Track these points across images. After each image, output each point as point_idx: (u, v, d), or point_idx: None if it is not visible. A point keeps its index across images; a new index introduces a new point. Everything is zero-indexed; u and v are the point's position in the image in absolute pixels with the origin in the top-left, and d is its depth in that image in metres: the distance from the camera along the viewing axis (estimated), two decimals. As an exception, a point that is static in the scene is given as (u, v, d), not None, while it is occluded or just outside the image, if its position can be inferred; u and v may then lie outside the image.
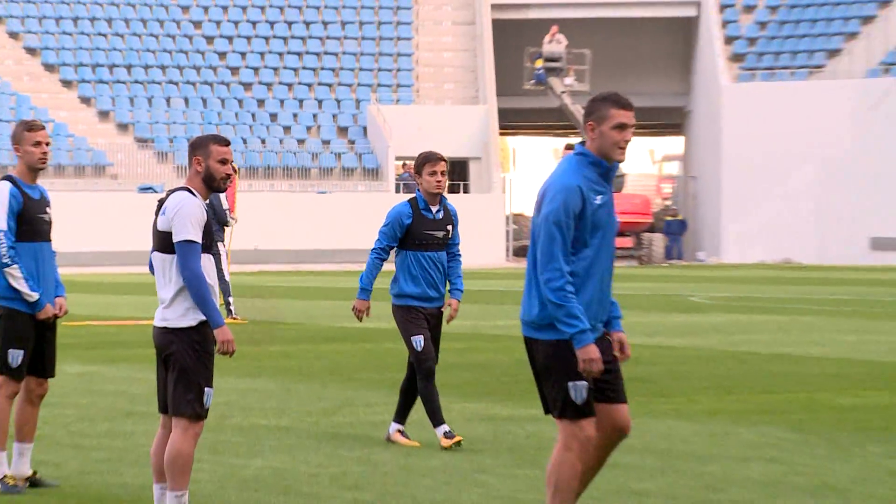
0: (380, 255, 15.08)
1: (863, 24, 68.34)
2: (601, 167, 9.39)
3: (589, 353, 9.14)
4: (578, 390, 9.34)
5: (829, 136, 63.14)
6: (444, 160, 15.36)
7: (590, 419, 9.43)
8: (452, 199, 15.74)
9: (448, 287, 15.18)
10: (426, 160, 15.16)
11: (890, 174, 60.45)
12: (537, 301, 9.45)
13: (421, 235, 14.94)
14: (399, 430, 15.03)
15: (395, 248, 15.07)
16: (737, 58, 68.45)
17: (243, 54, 68.52)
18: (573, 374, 9.29)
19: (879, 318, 32.64)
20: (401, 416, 15.16)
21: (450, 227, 15.10)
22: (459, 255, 15.57)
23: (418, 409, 15.16)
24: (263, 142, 63.72)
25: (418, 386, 15.03)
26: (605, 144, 9.39)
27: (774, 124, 64.13)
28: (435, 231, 14.99)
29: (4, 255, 12.66)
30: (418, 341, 14.92)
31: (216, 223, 10.79)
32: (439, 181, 15.10)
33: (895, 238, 59.58)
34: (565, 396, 9.39)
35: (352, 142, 65.25)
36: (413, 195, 15.43)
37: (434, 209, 15.01)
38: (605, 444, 9.73)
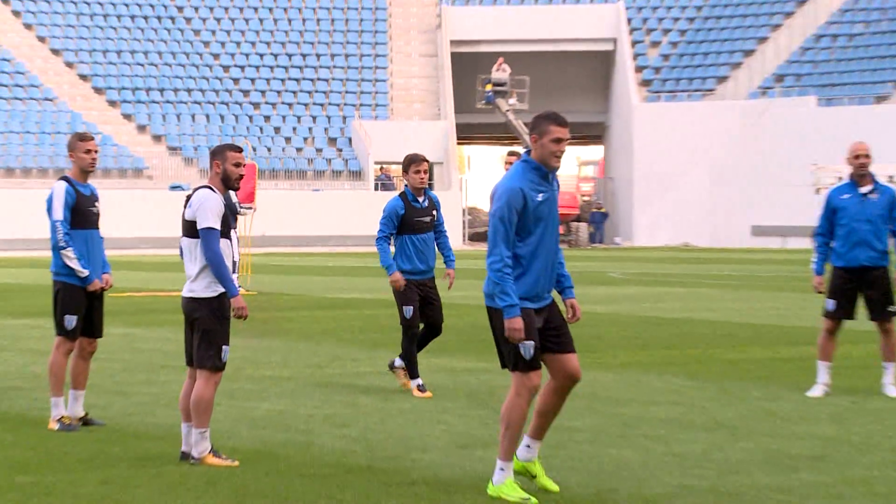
0: (384, 241, 15.09)
1: (745, 56, 68.45)
2: (541, 171, 9.56)
3: (513, 324, 9.37)
4: (527, 349, 9.48)
5: (719, 144, 63.27)
6: (427, 161, 15.48)
7: (536, 371, 9.58)
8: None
9: (443, 260, 15.33)
10: (412, 161, 15.18)
11: (766, 175, 60.59)
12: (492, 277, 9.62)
13: (413, 222, 14.99)
14: (417, 386, 15.02)
15: (394, 235, 15.10)
16: (645, 83, 68.50)
17: (253, 80, 68.30)
18: (529, 335, 9.46)
19: (759, 289, 32.74)
20: (413, 373, 15.14)
21: (434, 213, 15.19)
22: (445, 231, 15.72)
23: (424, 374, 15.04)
24: (269, 149, 63.57)
25: (402, 344, 15.19)
26: (544, 154, 9.55)
27: (675, 136, 64.26)
28: (423, 217, 15.06)
29: (61, 239, 12.72)
30: (408, 311, 15.03)
31: (231, 215, 10.79)
32: (423, 178, 15.19)
33: (771, 226, 59.78)
34: (517, 354, 9.52)
35: (339, 150, 65.13)
36: (396, 191, 15.65)
37: (420, 199, 15.08)
38: (561, 388, 9.89)
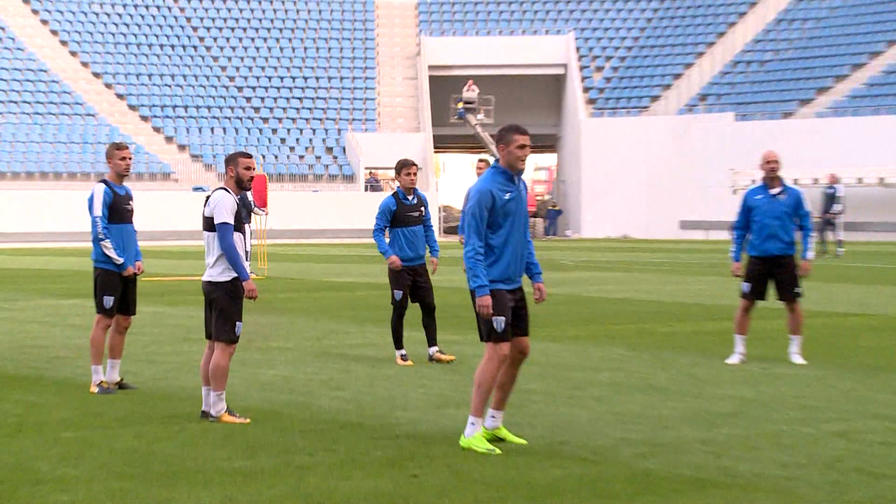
0: (379, 232, 15.09)
1: (674, 79, 68.42)
2: (508, 175, 9.76)
3: (483, 301, 9.62)
4: (499, 323, 9.67)
5: (652, 153, 63.28)
6: (416, 165, 15.53)
7: (507, 342, 9.75)
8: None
9: (427, 250, 15.26)
10: (404, 165, 15.25)
11: (691, 179, 60.63)
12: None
13: (403, 217, 14.98)
14: (437, 351, 15.06)
15: (388, 228, 15.05)
16: (591, 101, 68.48)
17: (262, 98, 68.14)
18: (497, 312, 9.63)
19: (686, 274, 32.80)
20: (432, 340, 15.13)
21: (422, 209, 15.18)
22: (432, 226, 15.72)
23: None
24: (276, 157, 63.44)
25: (391, 321, 15.13)
26: (511, 159, 9.76)
27: (616, 146, 64.29)
28: (412, 212, 15.03)
29: (100, 233, 12.75)
30: (398, 294, 15.00)
31: (245, 212, 10.79)
32: (412, 179, 15.19)
33: (696, 220, 59.91)
34: (491, 327, 9.68)
35: (335, 157, 64.98)
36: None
37: (410, 197, 15.07)
38: (514, 361, 10.00)
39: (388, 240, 15.09)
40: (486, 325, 9.77)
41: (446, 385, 13.12)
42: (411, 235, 15.01)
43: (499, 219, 9.68)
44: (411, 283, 14.97)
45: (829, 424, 10.47)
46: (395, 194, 15.15)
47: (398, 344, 14.95)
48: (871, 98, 59.76)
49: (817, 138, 55.35)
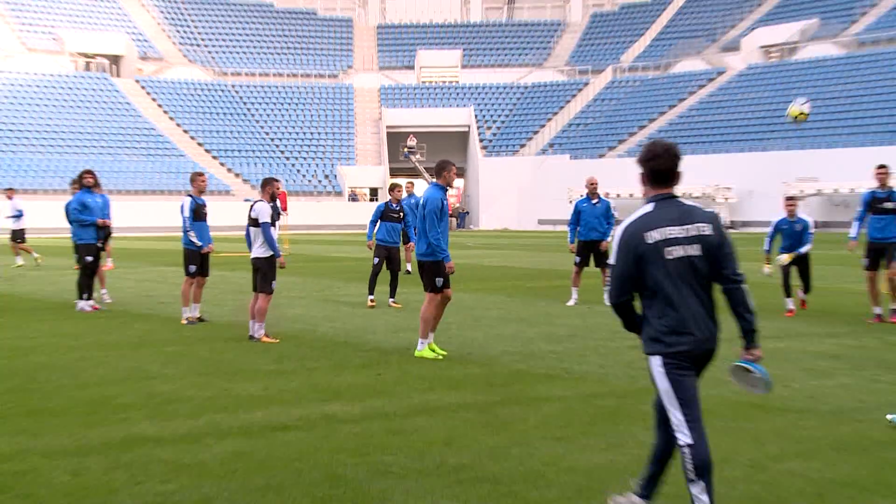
0: (372, 224, 14.82)
1: (533, 134, 68.39)
2: (445, 189, 9.75)
3: (451, 265, 9.74)
4: (439, 281, 9.72)
5: (521, 178, 63.02)
6: (400, 186, 15.35)
7: (440, 293, 9.81)
8: (372, 205, 15.61)
9: (404, 238, 15.60)
10: (392, 188, 15.14)
11: (544, 194, 60.60)
12: (425, 244, 9.72)
13: (388, 216, 14.76)
14: (393, 301, 14.77)
15: (379, 221, 14.79)
16: (484, 147, 68.20)
17: (287, 145, 67.28)
18: (439, 274, 9.71)
19: (541, 251, 32.92)
20: (392, 293, 14.87)
21: (401, 213, 14.89)
22: (410, 225, 15.98)
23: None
24: (294, 181, 62.63)
25: (370, 277, 14.87)
26: (449, 179, 9.80)
27: (499, 173, 63.90)
28: (393, 214, 14.80)
29: (187, 227, 12.56)
30: (376, 260, 14.79)
31: (275, 213, 10.77)
32: (397, 195, 15.02)
33: (548, 219, 59.88)
34: (433, 283, 9.73)
35: (329, 181, 64.11)
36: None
37: (395, 205, 14.82)
38: (441, 303, 9.98)
39: (375, 229, 14.80)
40: (430, 281, 9.77)
41: (398, 319, 13.06)
42: (391, 228, 14.75)
43: (443, 216, 9.68)
44: (386, 256, 14.77)
45: (627, 341, 10.55)
46: (386, 203, 14.89)
47: (371, 291, 14.75)
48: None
49: (617, 170, 55.82)
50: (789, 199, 13.89)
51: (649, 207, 4.63)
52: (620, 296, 4.62)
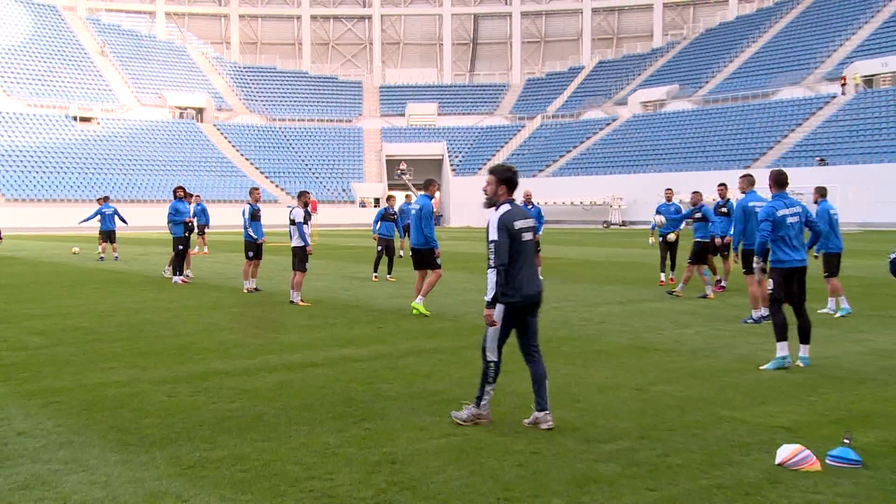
0: (375, 223, 14.38)
1: (489, 159, 67.81)
2: (431, 199, 9.54)
3: (438, 251, 9.52)
4: (439, 261, 9.57)
5: (479, 191, 61.64)
6: (394, 197, 15.01)
7: (438, 269, 9.53)
8: (375, 210, 15.34)
9: (396, 233, 14.86)
10: (390, 197, 14.78)
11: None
12: (423, 237, 9.51)
13: (386, 217, 14.31)
14: (390, 277, 14.12)
15: (380, 221, 14.37)
16: (454, 170, 67.40)
17: (318, 168, 66.47)
18: (436, 256, 9.48)
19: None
20: (389, 271, 14.31)
21: (395, 215, 14.38)
22: (403, 224, 15.49)
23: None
24: (321, 193, 61.88)
25: (374, 260, 14.36)
26: (432, 192, 9.58)
27: (466, 189, 63.14)
28: (391, 216, 14.30)
29: (247, 225, 12.25)
30: (378, 249, 14.29)
31: (307, 215, 10.63)
32: (393, 203, 14.57)
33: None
34: (436, 262, 9.52)
35: (346, 193, 63.49)
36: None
37: (391, 210, 14.33)
38: (433, 277, 9.66)
39: (378, 226, 14.35)
40: (432, 261, 9.59)
41: (394, 289, 12.83)
42: (388, 226, 14.34)
43: (432, 219, 9.56)
44: (385, 245, 14.33)
45: (550, 302, 10.42)
46: (385, 209, 14.45)
47: (375, 270, 14.45)
48: (569, 170, 60.16)
49: (545, 186, 55.81)
50: (668, 189, 13.73)
51: (508, 206, 4.79)
52: (502, 262, 4.68)
